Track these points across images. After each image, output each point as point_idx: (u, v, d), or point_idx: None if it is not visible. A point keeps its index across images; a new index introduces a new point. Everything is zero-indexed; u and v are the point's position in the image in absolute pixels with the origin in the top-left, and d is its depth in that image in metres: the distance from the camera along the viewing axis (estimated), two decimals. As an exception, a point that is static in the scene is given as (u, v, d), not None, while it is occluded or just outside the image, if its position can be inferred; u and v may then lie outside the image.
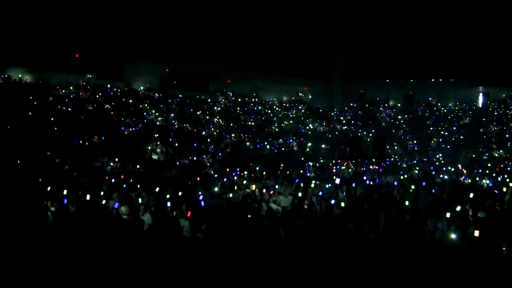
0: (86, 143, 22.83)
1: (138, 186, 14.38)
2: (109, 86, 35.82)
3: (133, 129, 27.70)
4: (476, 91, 46.63)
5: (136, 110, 32.30)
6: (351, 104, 49.58)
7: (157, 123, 30.75)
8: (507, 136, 36.34)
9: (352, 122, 44.50)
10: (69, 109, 27.28)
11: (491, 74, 45.31)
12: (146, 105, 33.99)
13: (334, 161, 27.50)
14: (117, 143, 23.95)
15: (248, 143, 31.33)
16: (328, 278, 6.41)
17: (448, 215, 9.77)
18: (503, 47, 44.90)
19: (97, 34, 35.95)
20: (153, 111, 32.71)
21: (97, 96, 32.35)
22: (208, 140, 29.68)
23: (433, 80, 48.65)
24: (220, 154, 26.80)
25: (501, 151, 33.15)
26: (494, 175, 22.56)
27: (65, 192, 11.67)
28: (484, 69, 46.17)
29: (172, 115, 33.38)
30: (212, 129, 32.82)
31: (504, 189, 15.67)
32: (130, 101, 33.85)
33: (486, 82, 45.85)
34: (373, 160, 22.55)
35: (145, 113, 32.10)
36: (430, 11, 47.52)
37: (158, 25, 41.00)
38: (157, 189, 13.58)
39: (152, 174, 19.38)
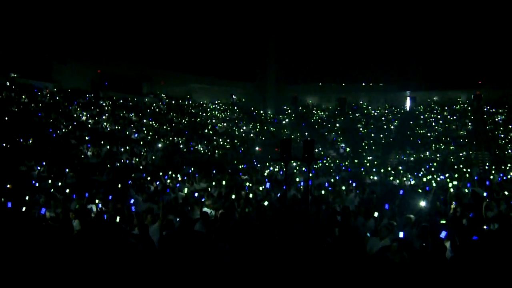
0: (9, 146, 21.78)
1: (67, 190, 13.85)
2: (36, 86, 34.33)
3: (62, 131, 26.72)
4: (404, 95, 48.68)
5: (66, 111, 31.16)
6: (285, 107, 50.34)
7: (88, 125, 29.84)
8: (431, 138, 38.27)
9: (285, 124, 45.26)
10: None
11: (418, 79, 47.56)
12: (76, 106, 32.87)
13: (267, 164, 27.77)
14: (45, 146, 23.02)
15: (181, 146, 31.09)
16: (260, 279, 6.46)
17: (376, 214, 10.11)
18: (428, 53, 47.13)
19: (23, 30, 34.31)
20: (84, 113, 31.69)
21: (23, 96, 30.89)
22: (141, 142, 29.19)
23: (363, 84, 50.32)
24: (153, 157, 26.42)
25: (426, 152, 34.76)
26: (420, 175, 23.56)
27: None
28: (412, 74, 48.43)
29: (103, 117, 32.46)
30: (145, 131, 32.26)
31: (428, 188, 16.49)
32: (59, 102, 32.54)
33: (413, 86, 48.03)
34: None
35: (75, 115, 31.04)
36: (360, 17, 49.08)
37: (90, 24, 39.82)
38: (87, 194, 13.15)
39: (82, 178, 18.80)
